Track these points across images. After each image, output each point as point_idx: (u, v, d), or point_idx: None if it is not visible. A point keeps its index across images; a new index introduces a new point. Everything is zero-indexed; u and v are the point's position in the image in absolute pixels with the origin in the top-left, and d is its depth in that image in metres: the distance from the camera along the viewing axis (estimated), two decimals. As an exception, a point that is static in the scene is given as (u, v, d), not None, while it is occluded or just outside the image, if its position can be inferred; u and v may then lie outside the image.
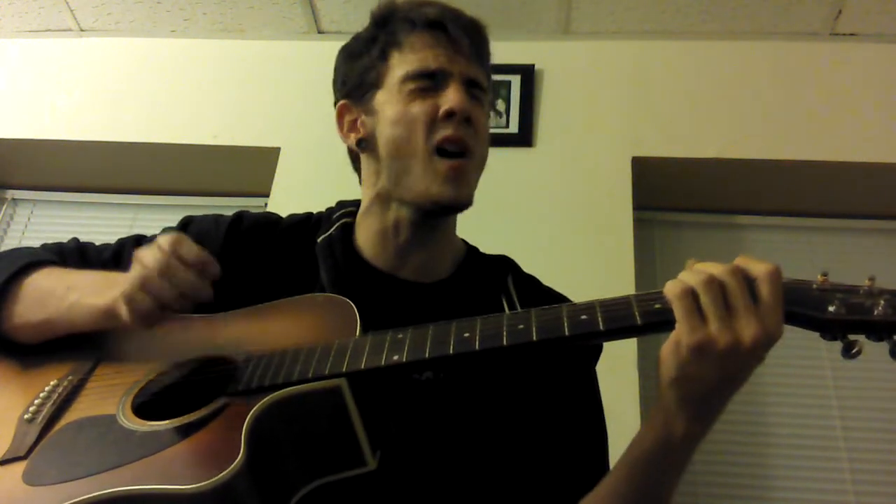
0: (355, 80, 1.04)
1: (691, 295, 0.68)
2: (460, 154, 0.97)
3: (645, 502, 0.82)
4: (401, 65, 0.99)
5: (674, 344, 0.70)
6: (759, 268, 0.69)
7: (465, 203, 0.99)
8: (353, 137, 1.04)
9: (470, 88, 1.00)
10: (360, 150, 1.04)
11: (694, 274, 0.70)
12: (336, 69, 1.10)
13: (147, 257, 0.83)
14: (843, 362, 2.17)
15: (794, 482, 2.07)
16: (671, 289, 0.70)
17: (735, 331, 0.67)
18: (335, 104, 1.08)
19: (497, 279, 1.04)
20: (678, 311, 0.69)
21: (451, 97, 0.97)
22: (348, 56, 1.07)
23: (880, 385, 2.14)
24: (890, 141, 2.22)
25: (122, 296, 0.83)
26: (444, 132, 0.96)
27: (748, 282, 0.69)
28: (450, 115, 0.96)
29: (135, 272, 0.83)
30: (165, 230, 1.07)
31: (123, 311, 0.83)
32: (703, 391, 0.71)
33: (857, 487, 2.03)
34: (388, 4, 1.04)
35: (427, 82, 0.98)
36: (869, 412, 2.13)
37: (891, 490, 2.02)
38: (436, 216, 1.00)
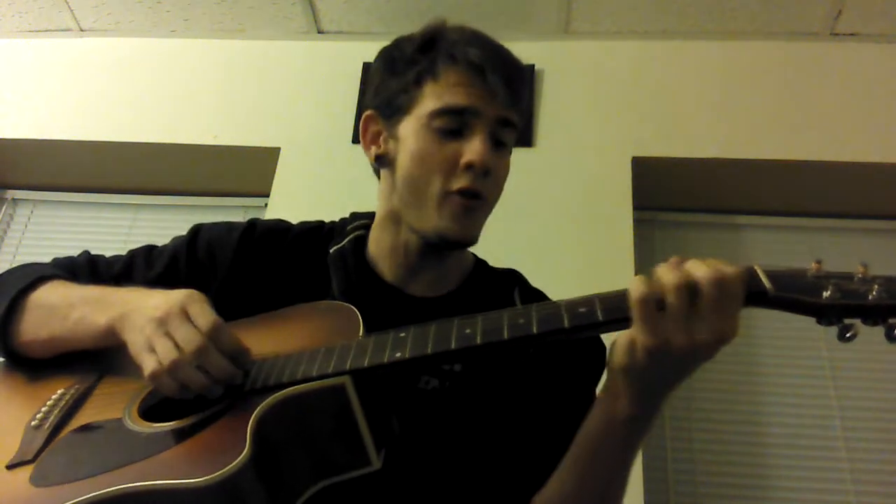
0: (387, 96, 1.02)
1: (653, 301, 0.70)
2: (473, 196, 0.97)
3: (589, 480, 0.85)
4: (432, 98, 0.97)
5: (629, 342, 0.72)
6: (700, 270, 0.69)
7: (469, 241, 1.00)
8: (373, 151, 1.03)
9: (500, 128, 0.99)
10: (379, 165, 1.04)
11: (666, 273, 0.71)
12: (373, 73, 1.07)
13: (181, 334, 0.79)
14: (842, 362, 2.18)
15: (793, 482, 2.07)
16: (634, 289, 0.71)
17: (692, 334, 0.69)
18: (363, 107, 1.06)
19: (503, 293, 1.04)
20: (635, 314, 0.71)
21: (474, 147, 0.95)
22: (386, 66, 1.04)
23: (880, 385, 2.15)
24: (890, 141, 2.22)
25: (150, 374, 0.79)
26: (461, 182, 0.95)
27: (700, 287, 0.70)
28: (469, 167, 0.95)
29: (163, 346, 0.79)
30: (175, 239, 1.07)
31: (146, 376, 0.80)
32: (651, 381, 0.75)
33: (857, 487, 2.03)
34: (436, 28, 1.02)
35: (454, 122, 0.96)
36: (869, 412, 2.13)
37: (891, 490, 2.02)
38: (441, 249, 1.01)
